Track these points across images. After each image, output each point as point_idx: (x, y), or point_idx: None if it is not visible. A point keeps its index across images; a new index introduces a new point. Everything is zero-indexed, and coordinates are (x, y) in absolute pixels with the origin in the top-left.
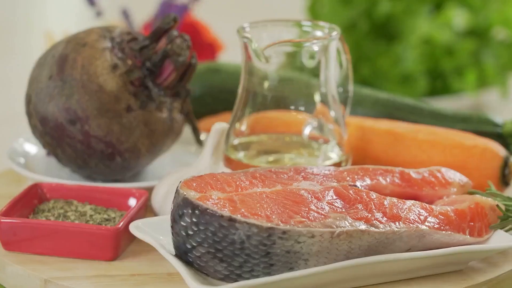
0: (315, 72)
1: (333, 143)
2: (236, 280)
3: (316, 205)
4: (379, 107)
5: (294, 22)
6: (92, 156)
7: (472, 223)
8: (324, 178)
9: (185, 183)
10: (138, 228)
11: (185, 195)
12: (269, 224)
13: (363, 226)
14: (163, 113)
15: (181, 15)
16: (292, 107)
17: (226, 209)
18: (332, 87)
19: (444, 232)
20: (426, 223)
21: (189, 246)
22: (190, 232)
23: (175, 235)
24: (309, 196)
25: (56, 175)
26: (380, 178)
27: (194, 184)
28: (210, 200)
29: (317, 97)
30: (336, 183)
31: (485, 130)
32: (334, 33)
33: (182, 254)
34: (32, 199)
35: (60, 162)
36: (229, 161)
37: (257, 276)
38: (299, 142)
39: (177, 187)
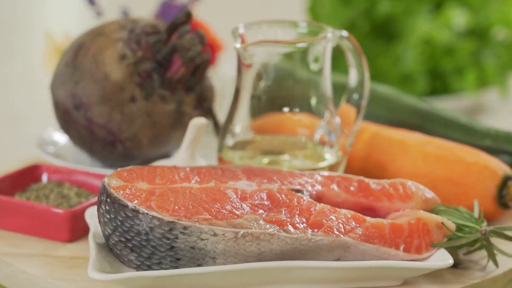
0: (310, 73)
1: (327, 142)
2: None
3: (234, 204)
4: (416, 117)
5: (289, 23)
6: (96, 142)
7: (409, 239)
8: (270, 180)
9: (117, 172)
10: (91, 215)
11: (105, 182)
12: (170, 218)
13: (272, 230)
14: (168, 106)
15: None
16: (286, 109)
17: (136, 200)
18: (328, 88)
19: (371, 245)
20: (351, 234)
21: (106, 233)
22: (106, 220)
23: (99, 222)
24: (234, 195)
25: (88, 164)
26: (335, 186)
27: (125, 174)
28: (127, 190)
29: (312, 98)
30: (275, 186)
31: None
32: (329, 35)
33: (106, 241)
34: (26, 178)
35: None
36: (223, 163)
37: (166, 269)
38: (295, 143)
39: (107, 174)
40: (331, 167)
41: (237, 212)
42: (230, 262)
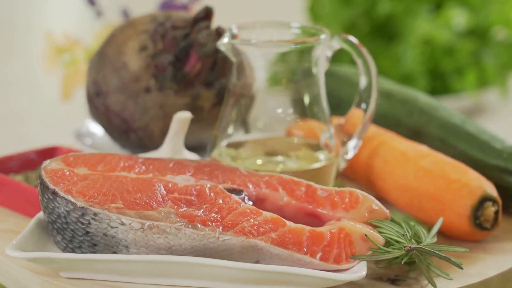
0: (303, 74)
1: (322, 145)
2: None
3: (155, 197)
4: (444, 131)
5: (283, 24)
6: (114, 130)
7: (328, 248)
8: (212, 177)
9: (65, 156)
10: None
11: (44, 164)
12: (83, 204)
13: (178, 224)
14: (182, 99)
15: None
16: (279, 110)
17: (62, 184)
18: (321, 89)
19: (284, 250)
20: (263, 237)
21: (43, 213)
22: (40, 199)
23: None
24: (162, 188)
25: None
26: (280, 189)
27: (71, 158)
28: (59, 173)
29: (305, 99)
30: (212, 183)
31: None
32: (322, 37)
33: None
34: (42, 159)
35: None
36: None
37: (86, 253)
38: (289, 144)
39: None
40: (324, 169)
41: (153, 204)
42: (142, 252)
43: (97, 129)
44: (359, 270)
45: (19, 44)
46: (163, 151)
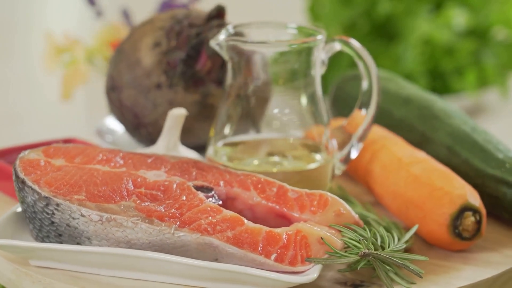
0: (300, 74)
1: (319, 146)
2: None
3: (120, 191)
4: (451, 138)
5: (280, 24)
6: (127, 124)
7: (283, 250)
8: (184, 174)
9: (47, 147)
10: None
11: (22, 153)
12: (46, 194)
13: (135, 218)
14: (192, 97)
15: None
16: (276, 110)
17: (33, 174)
18: (318, 90)
19: (238, 249)
20: (219, 235)
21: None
22: (15, 188)
23: None
24: (130, 183)
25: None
26: (252, 188)
27: (52, 150)
28: (34, 163)
29: (302, 99)
30: (182, 180)
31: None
32: (319, 38)
33: None
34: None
35: None
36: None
37: (53, 243)
38: (285, 144)
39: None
40: (319, 170)
41: (116, 198)
42: (103, 244)
43: (117, 126)
44: (313, 273)
45: (19, 44)
46: (158, 147)
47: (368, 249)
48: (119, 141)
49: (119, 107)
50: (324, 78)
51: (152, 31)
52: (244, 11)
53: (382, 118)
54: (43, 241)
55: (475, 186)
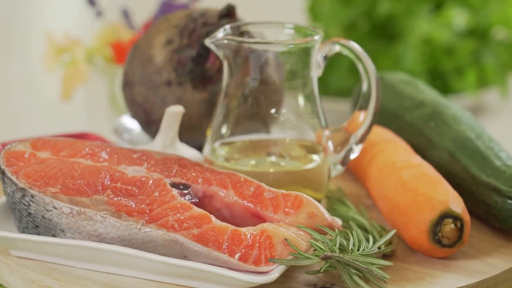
0: (297, 74)
1: (316, 146)
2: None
3: (95, 184)
4: (454, 144)
5: (277, 24)
6: (139, 120)
7: (248, 249)
8: (164, 170)
9: (36, 140)
10: None
11: (10, 145)
12: (23, 185)
13: (103, 213)
14: (201, 95)
15: None
16: (272, 111)
17: (15, 166)
18: (316, 90)
19: (203, 246)
20: (184, 232)
21: None
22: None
23: None
24: (107, 177)
25: None
26: (230, 187)
27: (40, 143)
28: (19, 154)
29: (300, 100)
30: (159, 176)
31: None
32: (316, 38)
33: None
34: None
35: None
36: (208, 163)
37: (31, 234)
38: (282, 145)
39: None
40: (316, 171)
41: (89, 192)
42: (76, 237)
43: (134, 125)
44: (274, 273)
45: (19, 44)
46: (156, 145)
47: (331, 252)
48: (136, 139)
49: (132, 104)
50: (325, 78)
51: (167, 28)
52: (244, 11)
53: (393, 122)
54: (23, 232)
55: (471, 193)
